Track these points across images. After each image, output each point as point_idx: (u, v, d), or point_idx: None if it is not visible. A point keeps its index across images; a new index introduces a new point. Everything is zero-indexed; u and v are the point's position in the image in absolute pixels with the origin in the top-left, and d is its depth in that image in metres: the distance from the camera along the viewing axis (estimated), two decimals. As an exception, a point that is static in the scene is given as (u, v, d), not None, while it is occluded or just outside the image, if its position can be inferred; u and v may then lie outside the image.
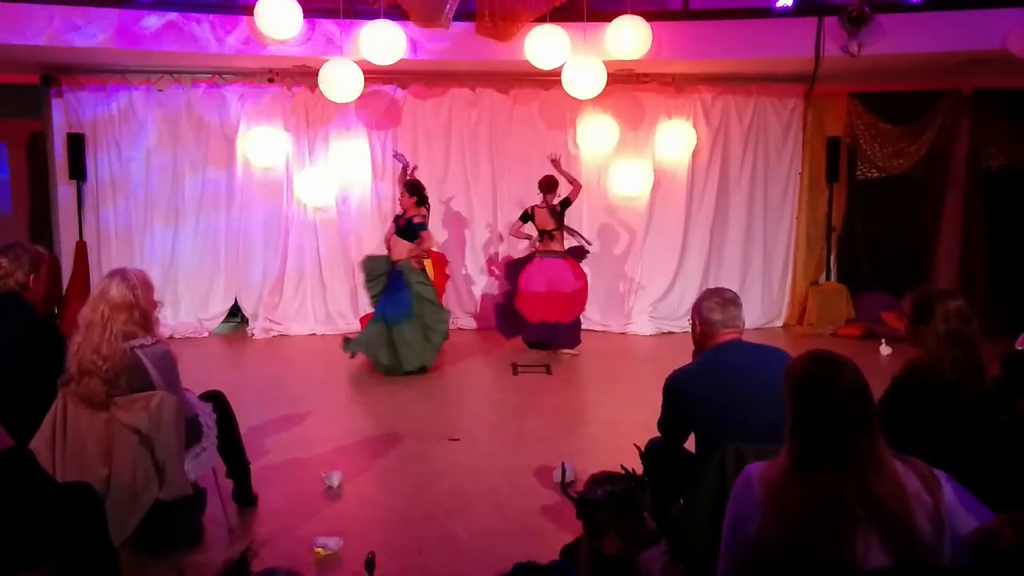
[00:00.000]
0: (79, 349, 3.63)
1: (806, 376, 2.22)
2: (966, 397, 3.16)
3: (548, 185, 8.54)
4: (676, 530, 3.15)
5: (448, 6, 8.47)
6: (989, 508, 2.20)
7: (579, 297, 8.68)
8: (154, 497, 3.63)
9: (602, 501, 2.62)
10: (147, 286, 3.80)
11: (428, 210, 8.17)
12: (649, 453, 3.79)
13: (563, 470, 3.07)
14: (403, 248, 7.97)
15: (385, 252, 8.26)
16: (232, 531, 4.37)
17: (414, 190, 8.01)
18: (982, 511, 2.18)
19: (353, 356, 8.01)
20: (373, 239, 9.96)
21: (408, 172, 8.40)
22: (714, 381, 3.35)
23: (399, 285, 7.94)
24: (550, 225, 8.55)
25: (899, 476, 2.13)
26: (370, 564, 3.15)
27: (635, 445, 2.93)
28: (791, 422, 2.22)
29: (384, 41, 8.37)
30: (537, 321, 8.48)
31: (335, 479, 5.04)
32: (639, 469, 3.00)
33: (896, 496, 2.09)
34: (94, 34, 8.24)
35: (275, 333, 9.94)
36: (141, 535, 3.77)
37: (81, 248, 9.64)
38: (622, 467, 2.88)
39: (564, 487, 2.85)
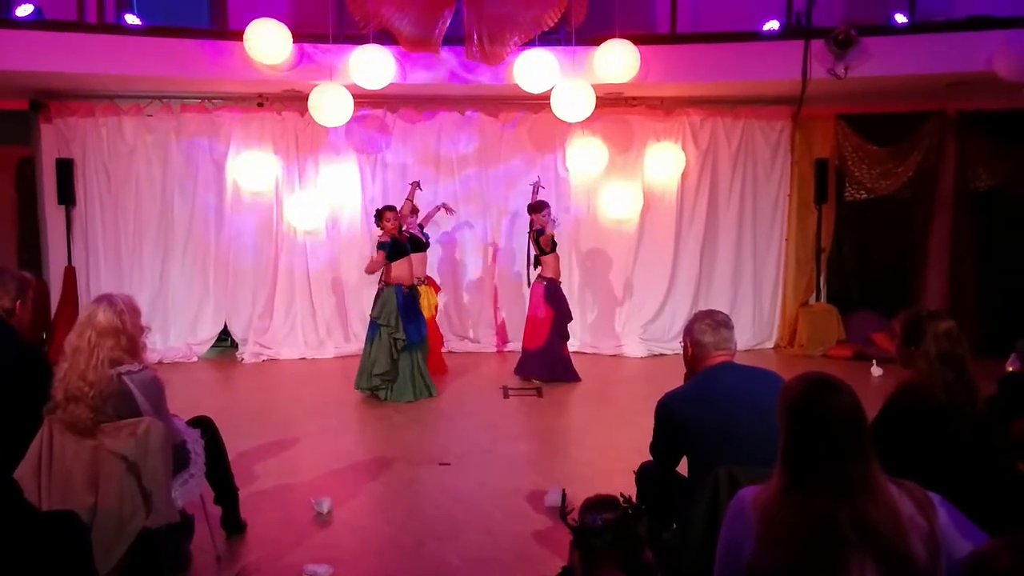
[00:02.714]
0: (65, 375, 3.59)
1: (800, 400, 2.21)
2: (958, 418, 3.16)
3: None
4: (669, 555, 3.12)
5: (437, 30, 8.52)
6: (983, 530, 2.19)
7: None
8: (141, 525, 3.58)
9: (600, 529, 2.58)
10: (134, 311, 3.77)
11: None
12: (641, 477, 3.77)
13: (563, 496, 3.03)
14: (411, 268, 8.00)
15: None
16: (220, 559, 4.32)
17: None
18: (976, 534, 2.17)
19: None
20: (363, 263, 9.93)
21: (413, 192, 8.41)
22: (706, 404, 3.33)
23: (417, 307, 7.98)
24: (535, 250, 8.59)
25: (893, 500, 2.12)
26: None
27: (620, 494, 2.91)
28: (784, 445, 2.21)
29: (374, 66, 8.41)
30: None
31: (325, 505, 4.99)
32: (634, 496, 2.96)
33: (890, 521, 2.08)
34: (83, 60, 8.24)
35: (265, 358, 9.88)
36: (127, 564, 3.71)
37: (70, 273, 9.59)
38: (621, 495, 2.85)
39: (563, 515, 2.80)
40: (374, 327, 7.80)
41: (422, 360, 7.97)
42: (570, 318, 8.70)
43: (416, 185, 8.44)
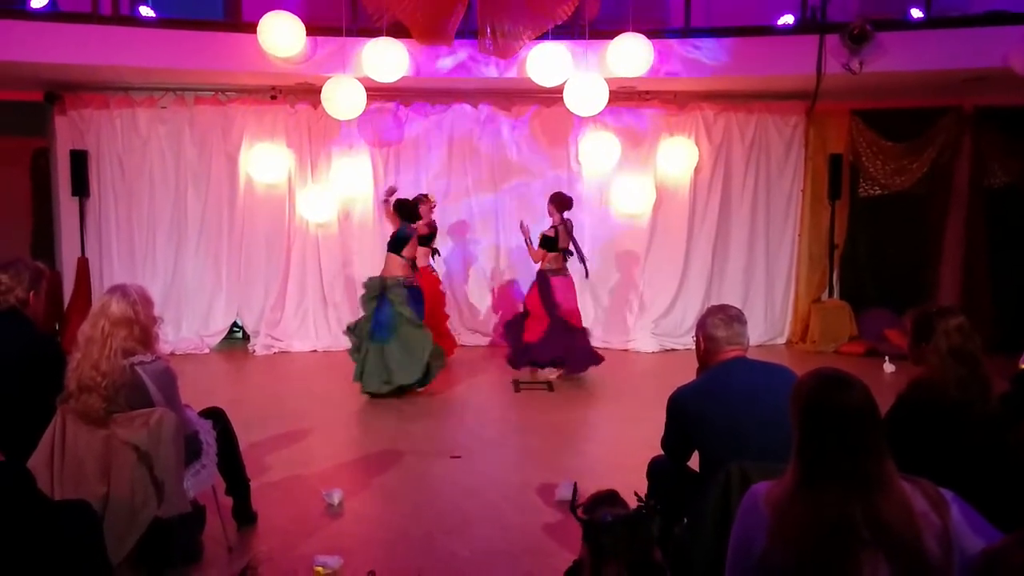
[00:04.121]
0: (78, 365, 3.61)
1: (813, 396, 2.19)
2: (970, 415, 3.14)
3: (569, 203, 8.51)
4: (680, 550, 3.11)
5: (450, 24, 8.51)
6: (995, 527, 2.18)
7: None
8: (153, 515, 3.60)
9: (609, 525, 2.57)
10: (147, 302, 3.78)
11: (425, 223, 7.95)
12: (653, 472, 3.77)
13: (574, 489, 3.03)
14: (391, 264, 7.84)
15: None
16: (231, 549, 4.33)
17: (397, 207, 7.95)
18: (989, 531, 2.16)
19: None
20: (375, 256, 9.93)
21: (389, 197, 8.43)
22: (717, 399, 3.32)
23: (384, 303, 7.78)
24: (566, 243, 8.46)
25: (906, 497, 2.11)
26: (370, 583, 3.13)
27: (635, 493, 2.89)
28: (797, 442, 2.19)
29: (386, 59, 8.41)
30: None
31: (336, 497, 5.01)
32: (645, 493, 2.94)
33: (903, 517, 2.07)
34: (97, 52, 8.27)
35: (276, 350, 9.92)
36: (139, 553, 3.74)
37: (83, 265, 9.64)
38: (635, 494, 2.84)
39: (573, 508, 2.79)
40: (380, 327, 7.72)
41: (404, 353, 7.66)
42: (564, 309, 8.36)
43: (391, 192, 8.49)
